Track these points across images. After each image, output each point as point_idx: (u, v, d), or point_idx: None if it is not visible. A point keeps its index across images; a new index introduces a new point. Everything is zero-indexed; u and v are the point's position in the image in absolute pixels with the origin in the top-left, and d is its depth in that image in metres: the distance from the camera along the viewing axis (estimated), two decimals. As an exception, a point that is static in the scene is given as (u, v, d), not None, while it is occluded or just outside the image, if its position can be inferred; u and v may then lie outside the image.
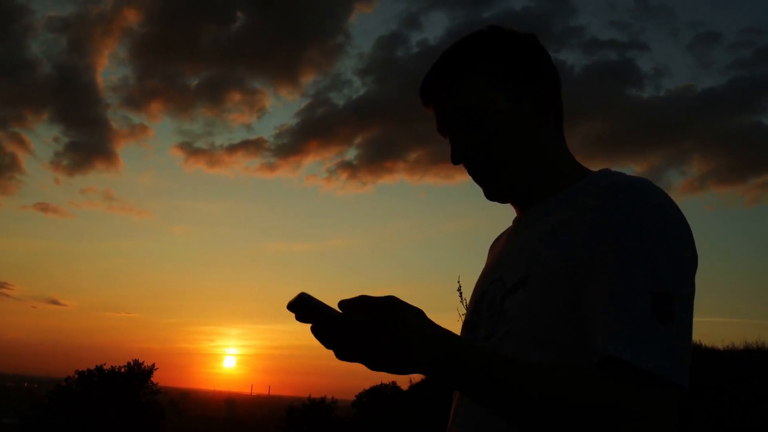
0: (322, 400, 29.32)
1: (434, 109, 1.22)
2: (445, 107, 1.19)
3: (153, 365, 36.44)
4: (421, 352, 0.89)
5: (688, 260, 1.00)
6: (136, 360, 36.06)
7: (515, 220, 1.27)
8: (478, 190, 1.22)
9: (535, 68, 1.19)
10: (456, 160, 1.19)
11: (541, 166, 1.17)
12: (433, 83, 1.20)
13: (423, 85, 1.22)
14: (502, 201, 1.22)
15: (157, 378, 36.92)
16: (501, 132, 1.14)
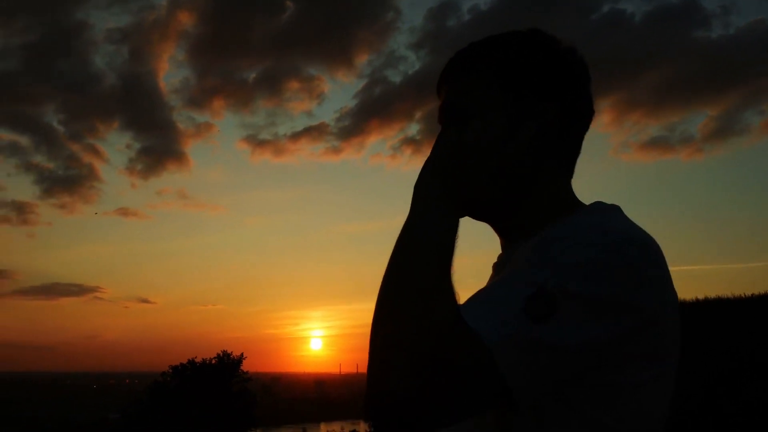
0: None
1: (442, 98, 1.13)
2: (445, 98, 1.10)
3: (242, 354, 37.50)
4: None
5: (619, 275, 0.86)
6: (225, 351, 37.15)
7: (499, 256, 1.15)
8: None
9: (556, 89, 1.04)
10: None
11: (523, 201, 1.05)
12: (446, 72, 1.11)
13: (440, 73, 1.13)
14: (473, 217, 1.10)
15: (247, 365, 38.02)
16: (480, 149, 1.01)
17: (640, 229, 0.93)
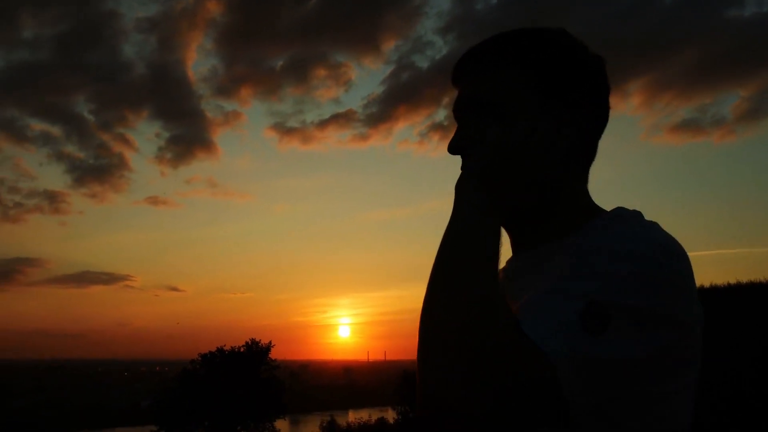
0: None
1: (459, 90, 1.08)
2: (468, 90, 1.04)
3: (270, 342, 37.76)
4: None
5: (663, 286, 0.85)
6: (253, 339, 37.44)
7: (509, 262, 1.11)
8: None
9: (588, 96, 1.02)
10: (452, 148, 1.05)
11: (550, 208, 1.02)
12: (470, 63, 1.05)
13: (457, 62, 1.07)
14: None
15: (275, 353, 38.29)
16: (528, 154, 0.97)
17: (672, 237, 0.92)
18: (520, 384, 0.79)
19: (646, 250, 0.86)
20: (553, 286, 0.88)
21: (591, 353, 0.80)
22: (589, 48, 1.04)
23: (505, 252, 1.09)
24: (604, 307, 0.82)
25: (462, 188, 0.95)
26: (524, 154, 0.95)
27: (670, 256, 0.87)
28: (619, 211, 1.00)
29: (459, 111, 1.06)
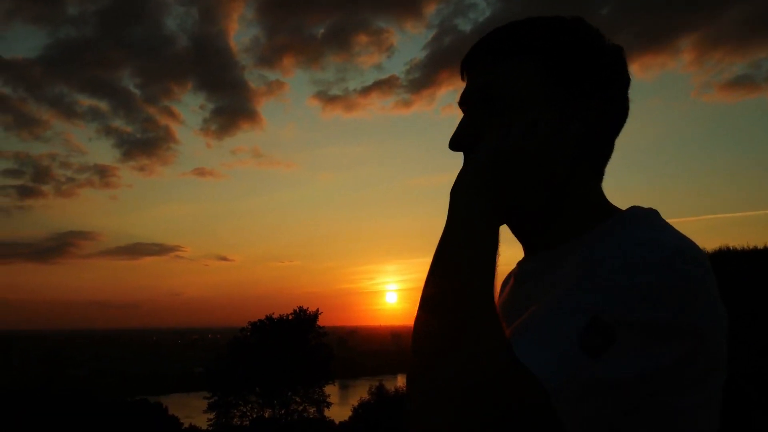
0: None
1: (466, 81, 1.01)
2: (474, 81, 0.98)
3: (317, 310, 38.22)
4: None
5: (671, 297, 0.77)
6: (301, 307, 37.90)
7: (519, 264, 1.05)
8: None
9: (603, 86, 0.94)
10: (453, 144, 0.99)
11: (557, 208, 0.94)
12: (477, 53, 0.99)
13: (467, 54, 1.01)
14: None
15: (323, 320, 38.82)
16: (529, 154, 0.90)
17: (688, 239, 0.85)
18: (511, 413, 0.74)
19: (654, 258, 0.79)
20: (554, 300, 0.81)
21: (591, 376, 0.74)
22: (606, 37, 0.97)
23: (517, 253, 1.05)
24: (609, 324, 0.75)
25: (457, 193, 0.89)
26: (525, 150, 0.88)
27: (681, 262, 0.79)
28: (632, 212, 0.92)
29: (464, 104, 1.00)
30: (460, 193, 0.89)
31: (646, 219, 0.90)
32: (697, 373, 0.80)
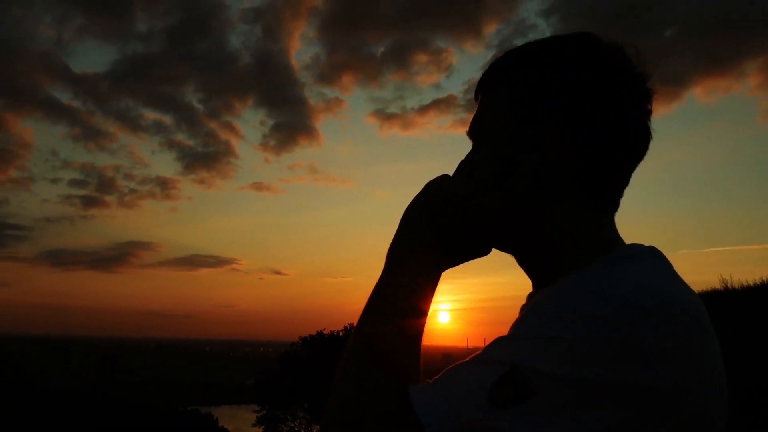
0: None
1: None
2: (475, 112, 0.95)
3: (367, 327, 38.10)
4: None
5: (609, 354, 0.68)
6: (351, 324, 37.84)
7: (528, 298, 0.95)
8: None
9: (587, 114, 0.84)
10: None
11: (553, 243, 0.86)
12: (480, 82, 0.95)
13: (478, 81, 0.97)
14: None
15: (373, 338, 38.58)
16: (467, 198, 0.88)
17: (668, 285, 0.75)
18: None
19: (602, 310, 0.70)
20: (488, 346, 0.78)
21: (492, 428, 0.69)
22: (619, 54, 0.86)
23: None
24: (528, 375, 0.69)
25: (406, 219, 0.92)
26: (460, 197, 0.89)
27: (634, 315, 0.69)
28: (624, 252, 0.83)
29: (468, 134, 0.97)
30: (411, 214, 0.91)
31: (635, 259, 0.80)
32: None
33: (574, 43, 0.87)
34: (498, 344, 0.76)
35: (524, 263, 0.93)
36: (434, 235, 0.88)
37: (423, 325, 0.85)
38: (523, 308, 0.96)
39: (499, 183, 0.85)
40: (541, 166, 0.83)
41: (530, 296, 0.93)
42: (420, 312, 0.85)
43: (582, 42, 0.87)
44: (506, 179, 0.84)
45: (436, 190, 0.91)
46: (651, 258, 0.81)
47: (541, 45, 0.90)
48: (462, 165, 0.95)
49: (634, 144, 0.87)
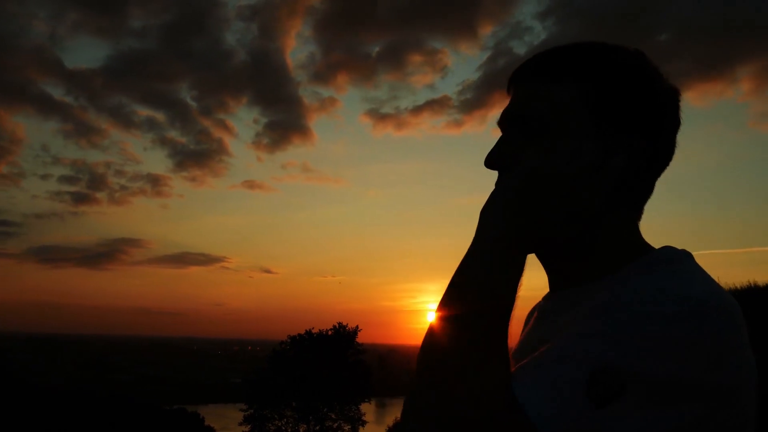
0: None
1: (510, 99, 0.98)
2: (517, 101, 0.95)
3: (357, 327, 38.09)
4: None
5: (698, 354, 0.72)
6: (341, 323, 37.87)
7: (544, 299, 1.01)
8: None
9: (651, 126, 0.90)
10: (488, 162, 0.95)
11: (589, 243, 0.90)
12: (523, 73, 0.95)
13: (514, 71, 0.98)
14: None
15: (363, 336, 38.61)
16: (569, 181, 0.86)
17: (717, 287, 0.79)
18: None
19: (677, 309, 0.74)
20: (565, 343, 0.77)
21: (592, 428, 0.70)
22: (664, 77, 0.93)
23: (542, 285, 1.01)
24: (620, 375, 0.71)
25: (486, 212, 0.86)
26: (564, 179, 0.84)
27: (708, 312, 0.74)
28: (664, 254, 0.88)
29: (503, 122, 0.97)
30: (489, 212, 0.85)
31: (676, 263, 0.85)
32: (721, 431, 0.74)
33: (634, 56, 0.92)
34: (583, 341, 0.75)
35: (555, 261, 0.95)
36: (526, 215, 0.84)
37: (512, 309, 0.81)
38: (540, 309, 1.00)
39: (600, 170, 0.85)
40: (624, 167, 0.87)
41: (548, 297, 0.99)
42: (512, 295, 0.81)
43: (639, 56, 0.93)
44: (605, 173, 0.86)
45: (535, 170, 0.85)
46: (693, 261, 0.86)
47: (604, 50, 0.93)
48: (510, 145, 0.94)
49: (668, 155, 0.94)
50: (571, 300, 0.91)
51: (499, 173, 0.95)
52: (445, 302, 0.80)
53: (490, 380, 0.73)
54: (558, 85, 0.91)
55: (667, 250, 0.89)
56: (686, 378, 0.71)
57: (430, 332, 0.79)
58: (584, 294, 0.88)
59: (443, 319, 0.79)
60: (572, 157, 0.85)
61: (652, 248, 0.91)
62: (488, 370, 0.74)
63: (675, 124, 0.94)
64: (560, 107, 0.90)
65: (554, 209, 0.84)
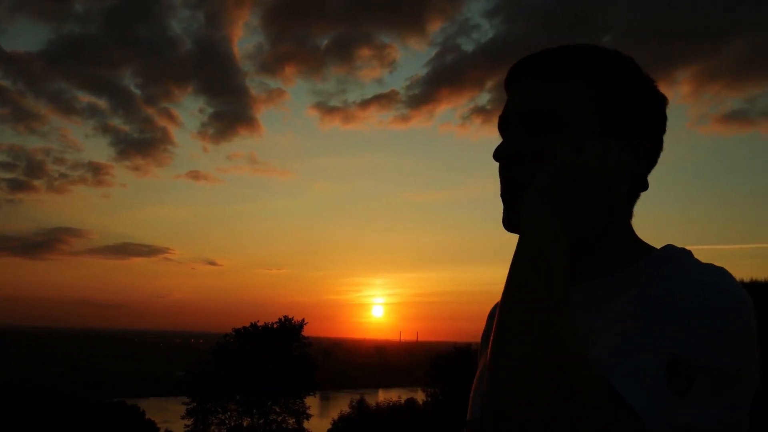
0: (468, 346, 29.60)
1: (511, 95, 0.99)
2: (522, 97, 0.96)
3: (303, 320, 37.93)
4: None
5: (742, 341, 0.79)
6: (286, 316, 37.66)
7: None
8: None
9: (651, 128, 0.97)
10: (504, 154, 0.95)
11: (597, 240, 0.93)
12: (527, 67, 0.96)
13: (516, 67, 0.98)
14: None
15: (308, 330, 38.43)
16: (604, 175, 0.87)
17: (740, 285, 0.85)
18: None
19: (726, 304, 0.80)
20: (627, 336, 0.78)
21: (677, 418, 0.74)
22: (655, 83, 0.99)
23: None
24: (689, 366, 0.75)
25: (533, 207, 0.85)
26: (599, 171, 0.86)
27: (745, 308, 0.81)
28: (675, 251, 0.93)
29: (508, 118, 0.98)
30: (536, 204, 0.85)
31: (685, 258, 0.90)
32: (744, 416, 0.82)
33: (630, 61, 0.98)
34: (647, 334, 0.77)
35: (578, 256, 0.95)
36: (565, 206, 0.85)
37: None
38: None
39: (619, 169, 0.87)
40: (632, 166, 0.90)
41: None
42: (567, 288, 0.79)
43: (632, 61, 0.98)
44: (626, 171, 0.88)
45: (574, 165, 0.86)
46: (696, 259, 0.91)
47: (606, 52, 0.97)
48: (526, 140, 0.95)
49: (658, 155, 0.99)
50: (597, 293, 0.92)
51: (508, 167, 0.96)
52: (522, 295, 0.78)
53: (586, 376, 0.72)
54: (568, 83, 0.93)
55: (671, 248, 0.94)
56: (734, 369, 0.78)
57: (506, 334, 0.76)
58: (609, 287, 0.91)
59: (521, 320, 0.76)
60: (604, 153, 0.87)
61: (653, 247, 0.96)
62: (579, 366, 0.72)
63: (664, 125, 0.99)
64: (577, 105, 0.92)
65: (585, 203, 0.86)
